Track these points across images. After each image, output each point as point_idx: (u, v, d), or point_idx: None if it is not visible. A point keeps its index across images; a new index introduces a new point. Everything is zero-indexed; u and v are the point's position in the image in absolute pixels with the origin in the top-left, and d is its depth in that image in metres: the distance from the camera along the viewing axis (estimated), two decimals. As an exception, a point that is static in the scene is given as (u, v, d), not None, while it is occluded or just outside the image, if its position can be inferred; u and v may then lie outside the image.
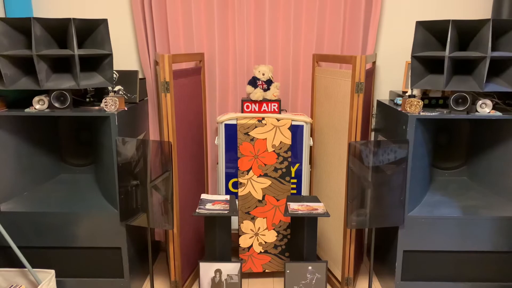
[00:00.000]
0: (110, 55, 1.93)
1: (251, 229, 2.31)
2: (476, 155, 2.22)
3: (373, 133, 2.54)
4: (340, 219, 2.16)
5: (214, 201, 2.02)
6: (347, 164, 2.02)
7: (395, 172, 1.94)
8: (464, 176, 2.29)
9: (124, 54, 2.48)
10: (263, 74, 2.22)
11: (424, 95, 2.16)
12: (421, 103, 1.93)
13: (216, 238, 1.97)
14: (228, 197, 2.08)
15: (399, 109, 2.04)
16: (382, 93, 2.54)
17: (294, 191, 2.28)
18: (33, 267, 2.06)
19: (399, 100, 2.19)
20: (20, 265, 2.02)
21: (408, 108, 1.96)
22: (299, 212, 1.88)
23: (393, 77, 2.52)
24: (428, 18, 2.43)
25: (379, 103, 2.41)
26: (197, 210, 1.90)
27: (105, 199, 2.11)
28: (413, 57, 1.95)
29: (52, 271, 2.02)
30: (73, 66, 1.88)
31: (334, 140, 2.19)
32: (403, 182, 1.96)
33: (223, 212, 1.89)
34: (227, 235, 1.97)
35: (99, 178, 2.19)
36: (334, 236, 2.26)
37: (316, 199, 2.06)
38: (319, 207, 1.94)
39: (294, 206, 1.95)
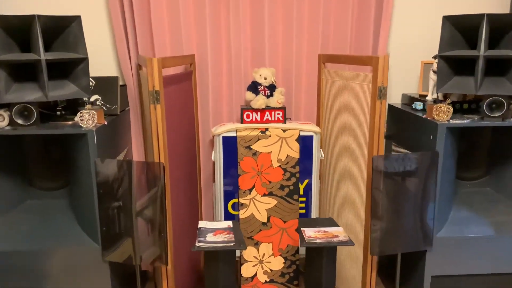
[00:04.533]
0: (85, 60, 1.60)
1: (254, 256, 2.02)
2: (499, 163, 2.01)
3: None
4: (356, 241, 1.90)
5: (215, 230, 1.72)
6: (368, 180, 1.76)
7: (423, 189, 1.70)
8: (488, 187, 2.07)
9: (101, 58, 2.13)
10: (265, 79, 1.94)
11: (444, 99, 1.93)
12: (451, 109, 1.69)
13: (219, 274, 1.67)
14: (230, 223, 1.78)
15: (423, 115, 1.80)
16: (392, 97, 2.30)
17: (303, 211, 2.00)
18: (-4, 317, 1.70)
19: (418, 105, 1.95)
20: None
21: (435, 115, 1.71)
22: (318, 241, 1.60)
23: (404, 79, 2.28)
24: (443, 14, 2.20)
25: (391, 107, 2.17)
26: (196, 244, 1.59)
27: (83, 230, 1.76)
28: (440, 57, 1.71)
29: (21, 322, 1.67)
30: (39, 73, 1.54)
31: (348, 153, 1.92)
32: (432, 200, 1.72)
33: (228, 245, 1.59)
34: (231, 270, 1.68)
35: (75, 204, 1.84)
36: (349, 261, 2.00)
37: (332, 222, 1.79)
38: (339, 233, 1.67)
39: (310, 233, 1.67)
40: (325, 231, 1.69)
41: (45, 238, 1.73)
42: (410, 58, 2.25)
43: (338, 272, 2.11)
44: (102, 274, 1.72)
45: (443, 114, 1.70)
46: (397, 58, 2.25)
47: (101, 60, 2.13)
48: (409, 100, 2.11)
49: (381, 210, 1.68)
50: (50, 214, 1.86)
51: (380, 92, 1.65)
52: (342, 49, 2.14)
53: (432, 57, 1.93)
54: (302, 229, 1.72)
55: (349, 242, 1.60)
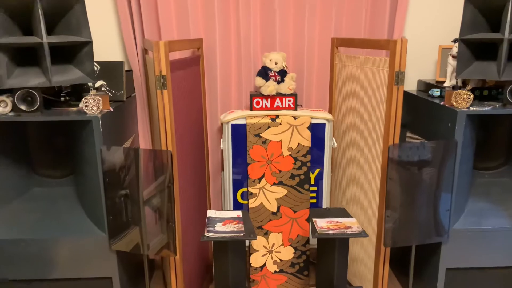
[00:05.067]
0: (89, 43, 1.54)
1: (264, 246, 1.97)
2: (519, 153, 1.93)
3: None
4: (369, 232, 1.85)
5: (224, 220, 1.67)
6: (382, 170, 1.70)
7: (440, 180, 1.63)
8: (505, 177, 1.99)
9: (105, 42, 2.07)
10: (276, 64, 1.86)
11: (463, 85, 1.85)
12: (471, 96, 1.61)
13: (228, 265, 1.63)
14: (240, 213, 1.73)
15: (441, 102, 1.72)
16: (407, 83, 2.22)
17: (314, 201, 1.95)
18: (2, 306, 1.68)
19: (435, 92, 1.87)
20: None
21: (454, 102, 1.63)
22: (331, 232, 1.55)
23: (420, 64, 2.19)
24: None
25: (406, 94, 2.09)
26: (205, 234, 1.54)
27: (90, 219, 1.73)
28: (461, 40, 1.62)
29: (27, 311, 1.65)
30: (42, 58, 1.48)
31: (362, 141, 1.85)
32: (449, 190, 1.65)
33: (238, 235, 1.54)
34: (240, 260, 1.63)
35: (81, 192, 1.81)
36: (361, 252, 1.95)
37: (345, 213, 1.73)
38: (352, 224, 1.62)
39: (322, 224, 1.62)
40: (337, 222, 1.64)
41: (52, 226, 1.69)
42: (426, 43, 2.16)
43: (350, 263, 2.07)
44: (110, 263, 1.69)
45: (463, 101, 1.62)
46: (413, 42, 2.16)
47: (106, 44, 2.07)
48: (426, 86, 2.03)
49: (396, 201, 1.62)
50: (56, 203, 1.82)
51: (397, 78, 1.57)
52: (356, 32, 2.05)
53: (452, 41, 1.84)
54: (313, 219, 1.66)
55: (362, 234, 1.54)
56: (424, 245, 1.87)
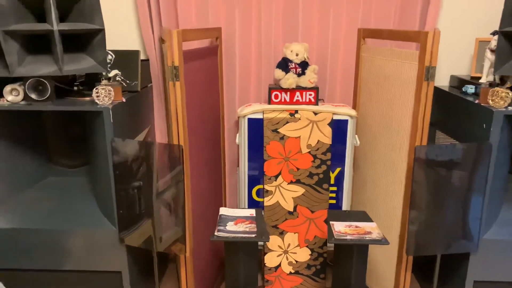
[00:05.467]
0: (101, 31, 1.48)
1: (279, 246, 1.90)
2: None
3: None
4: (391, 238, 1.74)
5: (236, 219, 1.60)
6: (408, 172, 1.58)
7: (471, 185, 1.50)
8: (543, 183, 1.84)
9: (121, 30, 2.02)
10: (297, 55, 1.76)
11: (501, 83, 1.69)
12: (510, 94, 1.46)
13: (239, 265, 1.56)
14: (253, 212, 1.66)
15: (476, 101, 1.58)
16: (439, 78, 2.07)
17: (333, 201, 1.85)
18: (13, 295, 1.68)
19: (469, 89, 1.72)
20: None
21: (491, 101, 1.49)
22: (348, 237, 1.45)
23: (454, 58, 2.04)
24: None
25: (437, 90, 1.95)
26: (215, 233, 1.48)
27: (101, 211, 1.70)
28: (500, 33, 1.47)
29: (37, 301, 1.64)
30: (53, 46, 1.44)
31: (387, 140, 1.73)
32: (480, 197, 1.52)
33: (249, 236, 1.47)
34: (252, 261, 1.56)
35: (94, 183, 1.78)
36: (382, 258, 1.84)
37: (365, 216, 1.63)
38: (372, 229, 1.51)
39: (340, 228, 1.52)
40: (356, 226, 1.54)
41: (63, 217, 1.67)
42: (462, 35, 1.99)
43: (370, 268, 1.96)
44: (119, 257, 1.65)
45: (500, 100, 1.47)
46: (447, 34, 2.00)
47: (123, 32, 2.02)
48: (459, 82, 1.88)
49: (421, 206, 1.50)
50: (70, 193, 1.81)
51: (427, 73, 1.44)
52: (385, 23, 1.92)
53: (491, 34, 1.69)
54: (331, 222, 1.57)
55: (383, 241, 1.44)
56: (451, 254, 1.74)
